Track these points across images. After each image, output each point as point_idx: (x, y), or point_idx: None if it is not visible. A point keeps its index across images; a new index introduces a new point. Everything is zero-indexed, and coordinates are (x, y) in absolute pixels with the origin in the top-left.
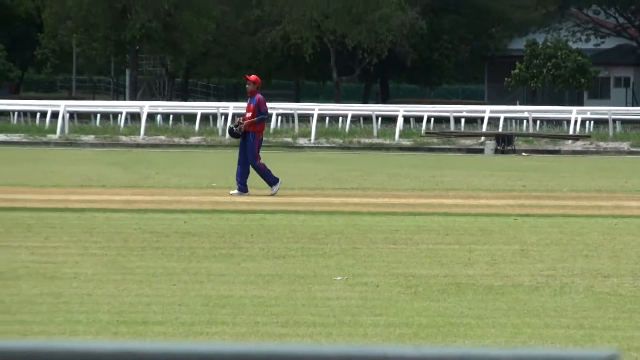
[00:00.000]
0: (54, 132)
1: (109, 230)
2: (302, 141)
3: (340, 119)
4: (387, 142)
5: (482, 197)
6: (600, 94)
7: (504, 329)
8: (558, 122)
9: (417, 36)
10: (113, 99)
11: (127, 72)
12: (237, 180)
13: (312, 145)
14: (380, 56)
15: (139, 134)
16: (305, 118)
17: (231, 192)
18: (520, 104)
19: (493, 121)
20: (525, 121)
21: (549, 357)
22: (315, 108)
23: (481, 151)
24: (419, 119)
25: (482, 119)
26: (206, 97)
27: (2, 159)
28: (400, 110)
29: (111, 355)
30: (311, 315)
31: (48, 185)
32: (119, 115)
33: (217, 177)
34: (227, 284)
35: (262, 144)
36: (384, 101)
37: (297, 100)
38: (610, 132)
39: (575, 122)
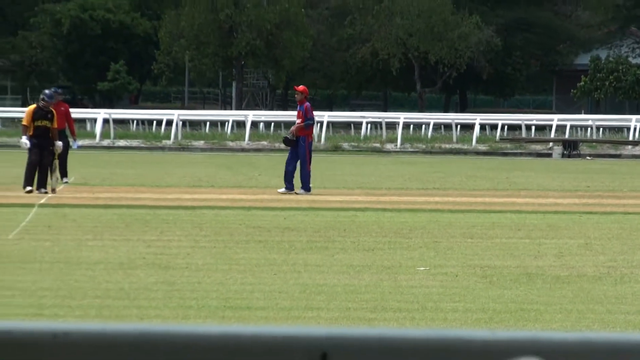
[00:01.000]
0: (169, 138)
1: (217, 226)
2: (389, 146)
3: (423, 126)
4: (465, 147)
5: (550, 196)
6: None
7: (570, 314)
8: (619, 129)
9: (493, 52)
10: (221, 109)
11: (234, 84)
12: (288, 179)
13: (398, 150)
14: (460, 70)
15: (244, 140)
16: (392, 125)
17: (297, 191)
18: (585, 113)
19: (560, 128)
20: (589, 128)
21: (610, 340)
22: (401, 116)
23: (549, 155)
24: (493, 127)
25: (550, 126)
26: None
27: (123, 162)
28: (477, 118)
29: (218, 338)
30: (397, 302)
31: (163, 186)
32: (226, 123)
33: (313, 179)
34: (322, 273)
35: (312, 148)
36: (463, 110)
37: (385, 110)
38: None
39: (635, 129)
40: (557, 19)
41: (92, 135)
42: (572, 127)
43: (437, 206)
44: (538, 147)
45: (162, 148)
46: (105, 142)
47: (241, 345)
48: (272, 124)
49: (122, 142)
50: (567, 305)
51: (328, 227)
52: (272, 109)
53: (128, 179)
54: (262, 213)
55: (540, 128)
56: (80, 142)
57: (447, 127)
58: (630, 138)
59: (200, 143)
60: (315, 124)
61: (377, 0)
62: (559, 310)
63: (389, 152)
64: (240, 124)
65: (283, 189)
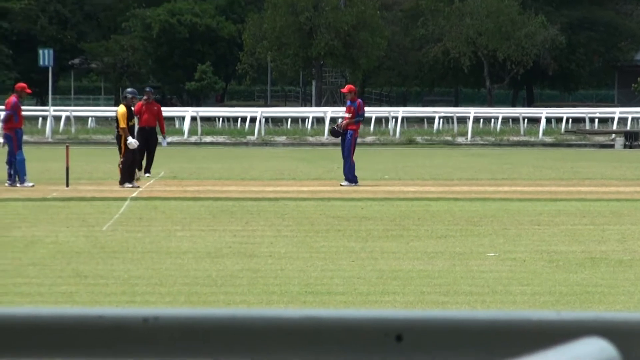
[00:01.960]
0: (252, 134)
1: (299, 216)
2: (460, 139)
3: (492, 120)
4: (532, 139)
5: (613, 185)
6: None
7: (632, 296)
8: None
9: (557, 49)
10: (301, 106)
11: (313, 83)
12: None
13: (469, 142)
14: (526, 67)
15: (323, 135)
16: (462, 120)
17: (342, 183)
18: None
19: (622, 121)
20: None
21: None
22: (472, 111)
23: (612, 146)
24: (559, 120)
25: (612, 119)
26: (379, 103)
27: (209, 157)
28: (543, 112)
29: (299, 320)
30: (468, 286)
31: (247, 179)
32: (307, 120)
33: (389, 171)
34: (397, 260)
35: (357, 142)
36: (529, 105)
37: (456, 105)
38: None
39: None
40: (618, 17)
41: (180, 132)
42: (633, 119)
43: (506, 195)
44: (601, 139)
45: (246, 143)
46: (193, 139)
47: (321, 327)
48: None
49: (208, 139)
50: (629, 287)
51: (403, 216)
52: None
53: (214, 172)
54: (341, 204)
55: (603, 120)
56: (169, 139)
57: (515, 120)
58: None
59: (282, 138)
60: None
61: (449, 1)
62: (622, 292)
63: (460, 145)
64: (319, 120)
65: (346, 182)
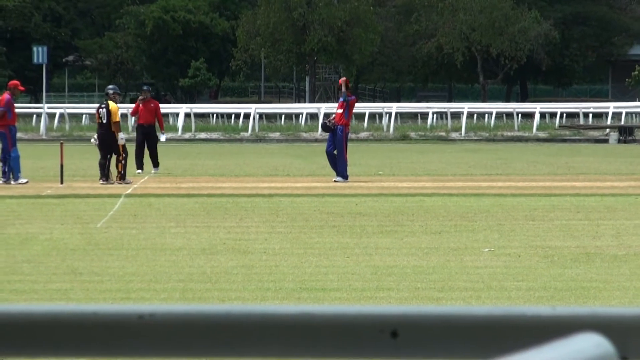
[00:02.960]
0: (246, 130)
1: (293, 212)
2: (454, 135)
3: (486, 115)
4: (526, 134)
5: (608, 180)
6: None
7: (627, 291)
8: None
9: (551, 45)
10: (295, 102)
11: (307, 79)
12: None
13: (463, 138)
14: (520, 62)
15: (317, 131)
16: (456, 115)
17: (335, 179)
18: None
19: (616, 116)
20: None
21: None
22: (465, 107)
23: (606, 141)
24: (553, 115)
25: (606, 113)
26: (373, 99)
27: (203, 154)
28: (537, 107)
29: (294, 317)
30: (463, 282)
31: (241, 175)
32: (300, 116)
33: (383, 167)
34: (392, 255)
35: (351, 138)
36: (523, 100)
37: (450, 100)
38: None
39: None
40: (612, 12)
41: (174, 128)
42: (627, 114)
43: (500, 191)
44: (595, 134)
45: (240, 140)
46: (187, 135)
47: (316, 323)
48: None
49: (202, 135)
50: (624, 282)
51: (397, 212)
52: None
53: (208, 169)
54: (335, 200)
55: (597, 115)
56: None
57: (509, 116)
58: None
59: (276, 135)
60: (351, 119)
61: None
62: (617, 287)
63: (453, 140)
64: (313, 116)
65: (339, 178)
